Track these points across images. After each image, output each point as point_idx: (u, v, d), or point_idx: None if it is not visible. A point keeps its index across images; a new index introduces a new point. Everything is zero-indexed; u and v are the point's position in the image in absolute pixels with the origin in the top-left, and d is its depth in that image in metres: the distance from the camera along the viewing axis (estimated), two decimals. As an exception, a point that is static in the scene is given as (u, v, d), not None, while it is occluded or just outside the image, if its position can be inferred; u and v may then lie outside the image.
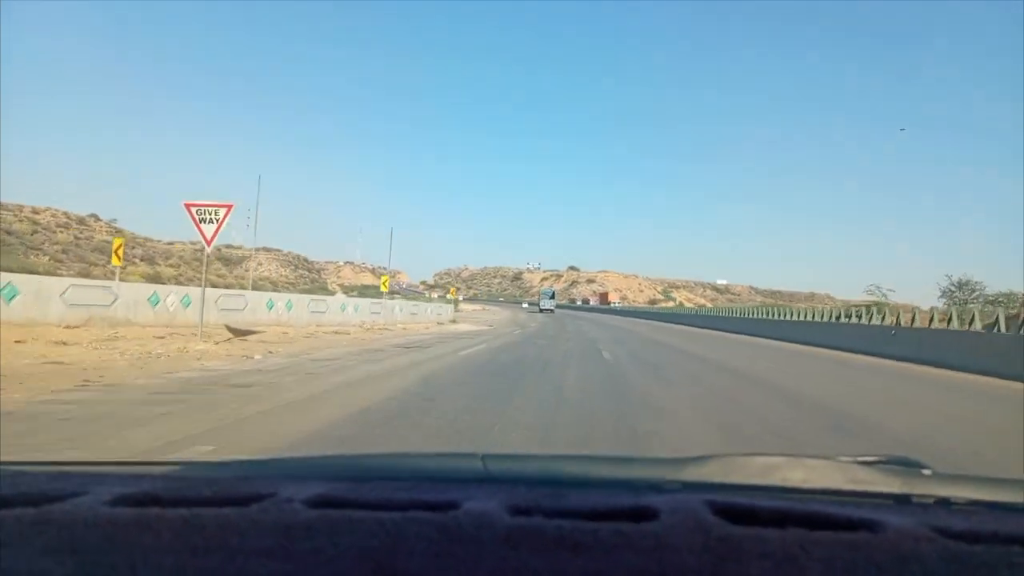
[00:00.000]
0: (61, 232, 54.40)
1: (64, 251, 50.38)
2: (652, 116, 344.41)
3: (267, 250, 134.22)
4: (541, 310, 69.68)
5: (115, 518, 0.60)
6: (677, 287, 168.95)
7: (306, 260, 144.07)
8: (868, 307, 28.74)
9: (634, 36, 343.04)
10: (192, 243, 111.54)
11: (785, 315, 34.70)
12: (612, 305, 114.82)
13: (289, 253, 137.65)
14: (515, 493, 0.68)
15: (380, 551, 0.56)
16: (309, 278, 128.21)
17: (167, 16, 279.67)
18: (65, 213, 58.90)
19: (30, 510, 0.61)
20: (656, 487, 0.73)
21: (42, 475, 0.75)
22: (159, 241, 76.35)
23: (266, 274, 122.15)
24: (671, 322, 47.89)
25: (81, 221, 60.31)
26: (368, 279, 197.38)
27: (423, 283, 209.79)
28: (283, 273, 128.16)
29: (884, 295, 35.16)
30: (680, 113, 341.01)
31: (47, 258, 47.90)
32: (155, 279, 56.27)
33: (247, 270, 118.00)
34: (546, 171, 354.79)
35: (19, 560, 0.56)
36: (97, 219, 62.37)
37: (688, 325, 42.42)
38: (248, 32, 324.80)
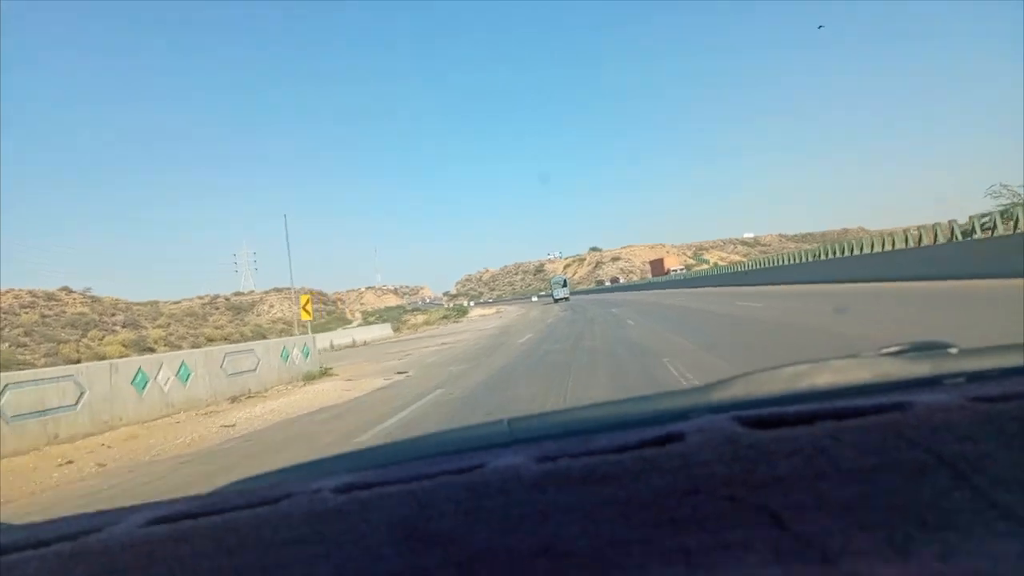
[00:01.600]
0: (25, 313, 48.74)
1: (27, 333, 44.53)
2: (652, 85, 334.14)
3: (278, 291, 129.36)
4: (555, 300, 65.34)
5: (151, 536, 0.61)
6: (706, 249, 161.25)
7: (321, 293, 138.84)
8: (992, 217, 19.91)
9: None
10: (177, 302, 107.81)
11: (866, 248, 26.16)
12: (672, 274, 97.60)
13: (302, 289, 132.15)
14: (542, 447, 0.68)
15: (410, 518, 0.56)
16: (326, 311, 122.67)
17: (134, 47, 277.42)
18: (30, 292, 53.46)
19: (67, 544, 0.62)
20: (682, 415, 0.72)
21: (81, 517, 0.76)
22: (143, 304, 70.81)
23: (279, 315, 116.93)
24: (730, 285, 39.08)
25: (50, 296, 55.10)
26: (392, 300, 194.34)
27: (446, 294, 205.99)
28: (296, 311, 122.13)
29: (1019, 195, 22.16)
30: (679, 75, 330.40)
31: (7, 345, 41.85)
32: (139, 344, 49.96)
33: (258, 314, 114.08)
34: (555, 158, 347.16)
35: None
36: (69, 292, 56.90)
37: (761, 284, 33.15)
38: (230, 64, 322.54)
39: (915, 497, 0.49)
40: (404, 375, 13.49)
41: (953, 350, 0.83)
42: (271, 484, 0.77)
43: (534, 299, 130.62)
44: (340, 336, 34.51)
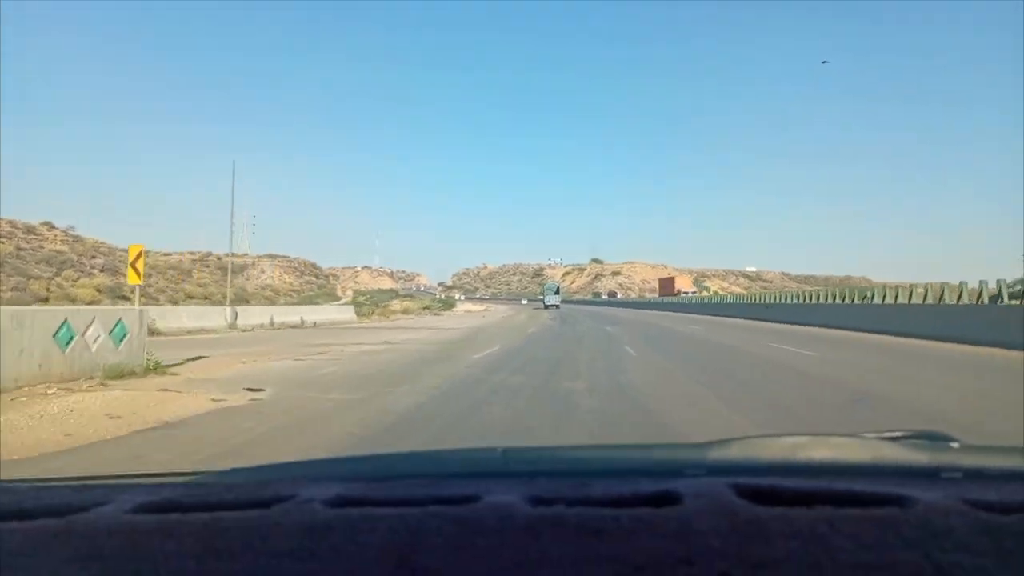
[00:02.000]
0: (2, 242, 46.59)
1: (-1, 264, 42.45)
2: (666, 108, 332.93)
3: (272, 256, 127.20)
4: (546, 306, 66.16)
5: (137, 525, 0.61)
6: (708, 276, 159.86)
7: (314, 266, 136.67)
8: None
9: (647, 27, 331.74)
10: (168, 254, 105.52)
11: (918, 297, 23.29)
12: (682, 296, 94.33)
13: (296, 259, 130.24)
14: (536, 485, 0.67)
15: (401, 547, 0.55)
16: (317, 284, 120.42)
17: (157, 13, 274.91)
18: (10, 221, 51.31)
19: (53, 521, 0.61)
20: (677, 472, 0.71)
21: (65, 488, 0.77)
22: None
23: (269, 282, 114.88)
24: (732, 315, 36.71)
25: (30, 230, 52.86)
26: (387, 283, 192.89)
27: (441, 284, 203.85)
28: (288, 280, 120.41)
29: None
30: (694, 103, 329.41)
31: (-30, 274, 39.86)
32: (115, 292, 47.89)
33: (247, 279, 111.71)
34: (564, 166, 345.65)
35: (43, 570, 0.57)
36: (51, 227, 54.71)
37: (772, 321, 29.55)
38: (247, 36, 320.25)
39: None
40: (256, 393, 8.22)
41: (955, 444, 0.83)
42: (260, 481, 0.76)
43: (524, 302, 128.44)
44: (288, 313, 28.46)
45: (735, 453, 0.78)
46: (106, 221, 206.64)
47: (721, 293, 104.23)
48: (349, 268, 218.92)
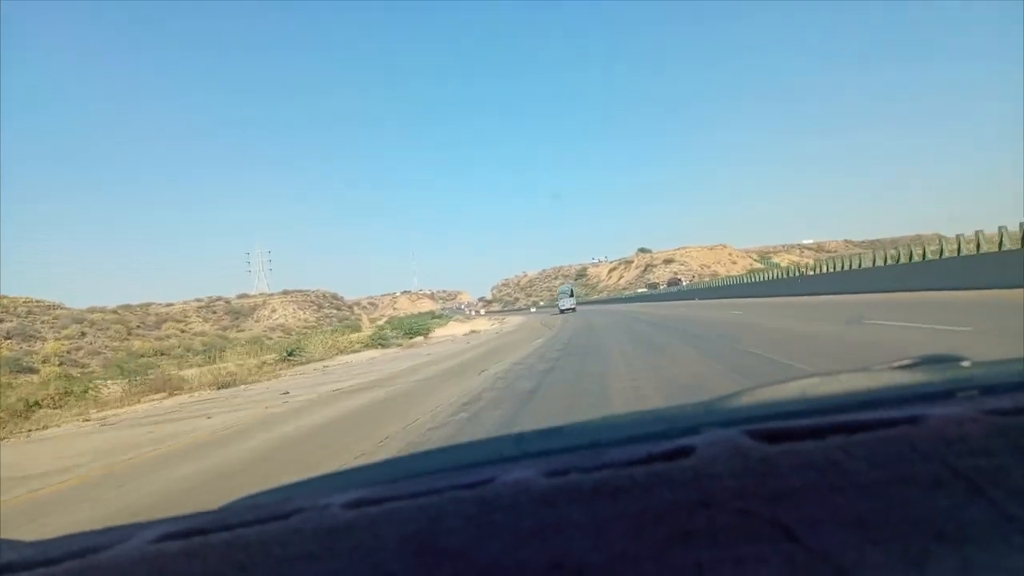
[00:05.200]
0: None
1: None
2: (694, 87, 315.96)
3: (286, 293, 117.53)
4: (561, 311, 64.77)
5: (162, 552, 0.61)
6: (773, 252, 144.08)
7: (335, 297, 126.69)
8: None
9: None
10: (169, 304, 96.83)
11: None
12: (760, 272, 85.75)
13: (313, 292, 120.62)
14: (551, 461, 0.68)
15: (421, 533, 0.57)
16: (338, 316, 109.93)
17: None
18: None
19: (76, 562, 0.62)
20: (692, 429, 0.71)
21: (92, 533, 0.76)
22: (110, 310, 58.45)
23: (280, 321, 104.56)
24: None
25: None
26: (427, 305, 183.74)
27: (481, 299, 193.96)
28: (302, 317, 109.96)
29: None
30: (734, 82, 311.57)
31: None
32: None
33: (256, 320, 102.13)
34: (601, 160, 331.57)
35: None
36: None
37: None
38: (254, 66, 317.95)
39: (930, 511, 0.49)
40: None
41: (966, 363, 0.83)
42: (281, 499, 0.77)
43: (533, 311, 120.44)
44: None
45: (746, 402, 0.77)
46: (112, 283, 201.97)
47: (793, 265, 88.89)
48: (388, 295, 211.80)
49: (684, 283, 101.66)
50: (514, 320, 60.58)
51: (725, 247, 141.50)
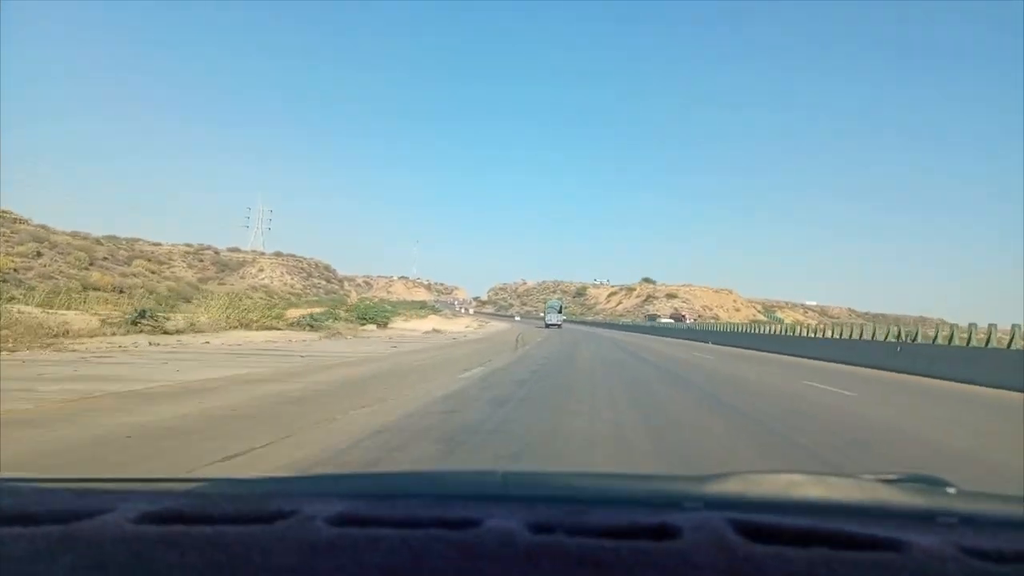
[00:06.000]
0: None
1: None
2: (728, 133, 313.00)
3: (279, 255, 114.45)
4: (547, 325, 64.02)
5: (141, 535, 0.62)
6: (777, 307, 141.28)
7: (327, 268, 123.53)
8: None
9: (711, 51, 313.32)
10: (157, 243, 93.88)
11: None
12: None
13: (306, 260, 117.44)
14: (535, 511, 0.69)
15: (403, 570, 0.57)
16: (326, 289, 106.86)
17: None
18: None
19: (57, 527, 0.62)
20: (676, 504, 0.73)
21: (67, 492, 0.78)
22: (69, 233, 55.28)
23: (266, 281, 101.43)
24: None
25: None
26: (422, 294, 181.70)
27: (476, 299, 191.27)
28: (289, 281, 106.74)
29: None
30: (760, 130, 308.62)
31: None
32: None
33: (242, 277, 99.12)
34: (614, 183, 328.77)
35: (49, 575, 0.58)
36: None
37: None
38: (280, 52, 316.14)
39: None
40: None
41: (951, 490, 0.84)
42: (262, 494, 0.79)
43: (516, 319, 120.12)
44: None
45: (732, 487, 0.78)
46: (102, 210, 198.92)
47: (792, 323, 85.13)
48: (384, 278, 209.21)
49: (689, 320, 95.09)
50: (494, 326, 56.98)
51: (731, 292, 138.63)
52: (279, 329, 26.12)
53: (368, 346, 21.19)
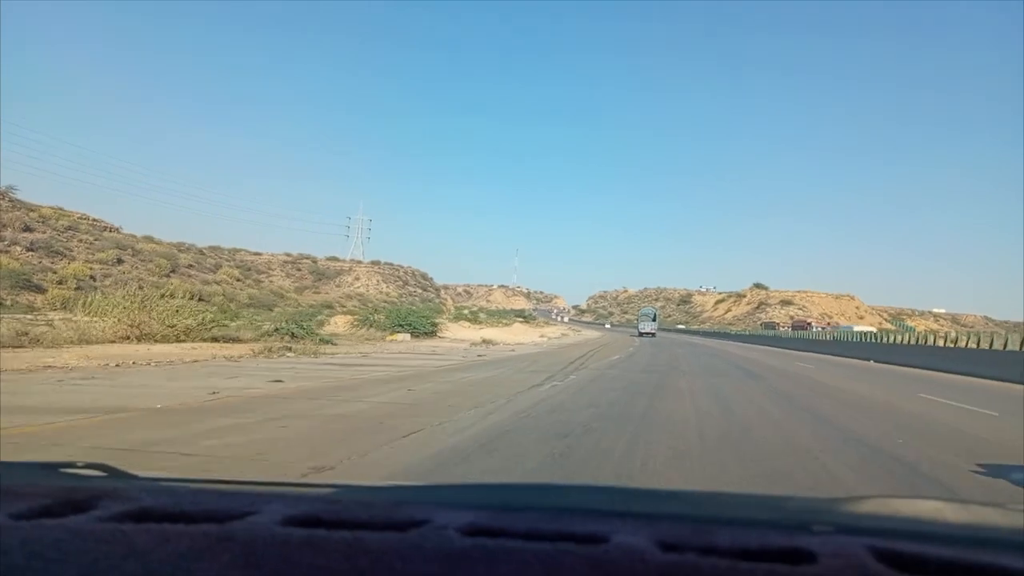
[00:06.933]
0: None
1: None
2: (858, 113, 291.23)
3: (375, 263, 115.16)
4: (640, 334, 63.60)
5: (288, 538, 0.65)
6: (905, 315, 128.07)
7: (424, 276, 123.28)
8: None
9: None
10: (257, 253, 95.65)
11: None
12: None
13: (403, 268, 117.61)
14: (660, 528, 0.68)
15: None
16: (422, 296, 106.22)
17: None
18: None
19: (214, 526, 0.67)
20: (804, 527, 0.70)
21: (215, 493, 0.83)
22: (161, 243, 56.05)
23: (361, 290, 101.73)
24: None
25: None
26: (521, 303, 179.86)
27: (575, 307, 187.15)
28: (384, 289, 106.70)
29: None
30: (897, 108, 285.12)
31: None
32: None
33: (338, 285, 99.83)
34: (720, 187, 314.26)
35: (210, 572, 0.61)
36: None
37: None
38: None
39: None
40: None
41: None
42: (394, 503, 0.81)
43: (607, 326, 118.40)
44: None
45: (866, 510, 0.74)
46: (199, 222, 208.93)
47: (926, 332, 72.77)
48: (484, 286, 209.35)
49: (816, 328, 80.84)
50: (577, 336, 51.27)
51: (853, 298, 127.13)
52: (221, 342, 19.63)
53: (347, 371, 14.17)
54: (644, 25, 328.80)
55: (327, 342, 20.76)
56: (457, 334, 35.19)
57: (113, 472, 0.92)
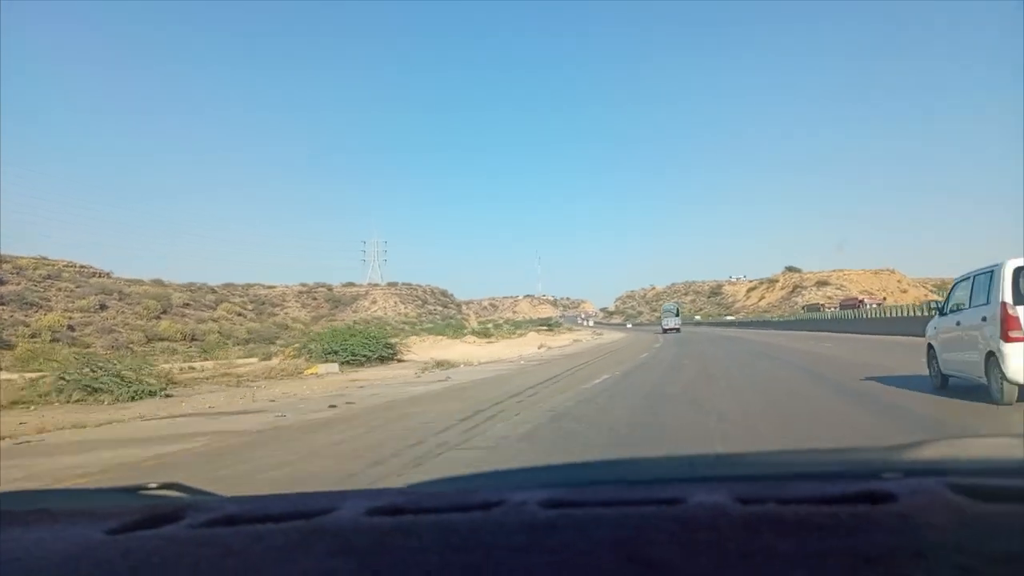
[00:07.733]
0: None
1: None
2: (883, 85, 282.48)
3: (391, 285, 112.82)
4: (664, 330, 62.39)
5: (377, 525, 0.68)
6: (949, 286, 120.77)
7: (443, 294, 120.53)
8: None
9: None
10: (271, 286, 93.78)
11: None
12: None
13: (420, 287, 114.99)
14: (734, 487, 0.69)
15: (630, 541, 0.58)
16: (443, 314, 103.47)
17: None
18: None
19: (302, 522, 0.69)
20: (876, 474, 0.71)
21: (296, 496, 0.85)
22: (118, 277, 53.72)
23: (379, 313, 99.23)
24: None
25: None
26: (548, 311, 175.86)
27: (603, 310, 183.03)
28: (403, 310, 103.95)
29: None
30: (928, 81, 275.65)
31: None
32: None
33: (355, 311, 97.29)
34: (746, 169, 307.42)
35: (309, 562, 0.63)
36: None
37: None
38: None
39: None
40: None
41: None
42: (464, 490, 0.85)
43: (628, 326, 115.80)
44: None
45: (939, 453, 0.76)
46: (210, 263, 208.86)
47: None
48: (509, 298, 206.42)
49: (870, 304, 74.02)
50: (596, 341, 47.40)
51: (893, 272, 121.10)
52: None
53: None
54: (637, 19, 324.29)
55: (152, 394, 14.77)
56: (431, 354, 29.43)
57: (188, 490, 0.95)
